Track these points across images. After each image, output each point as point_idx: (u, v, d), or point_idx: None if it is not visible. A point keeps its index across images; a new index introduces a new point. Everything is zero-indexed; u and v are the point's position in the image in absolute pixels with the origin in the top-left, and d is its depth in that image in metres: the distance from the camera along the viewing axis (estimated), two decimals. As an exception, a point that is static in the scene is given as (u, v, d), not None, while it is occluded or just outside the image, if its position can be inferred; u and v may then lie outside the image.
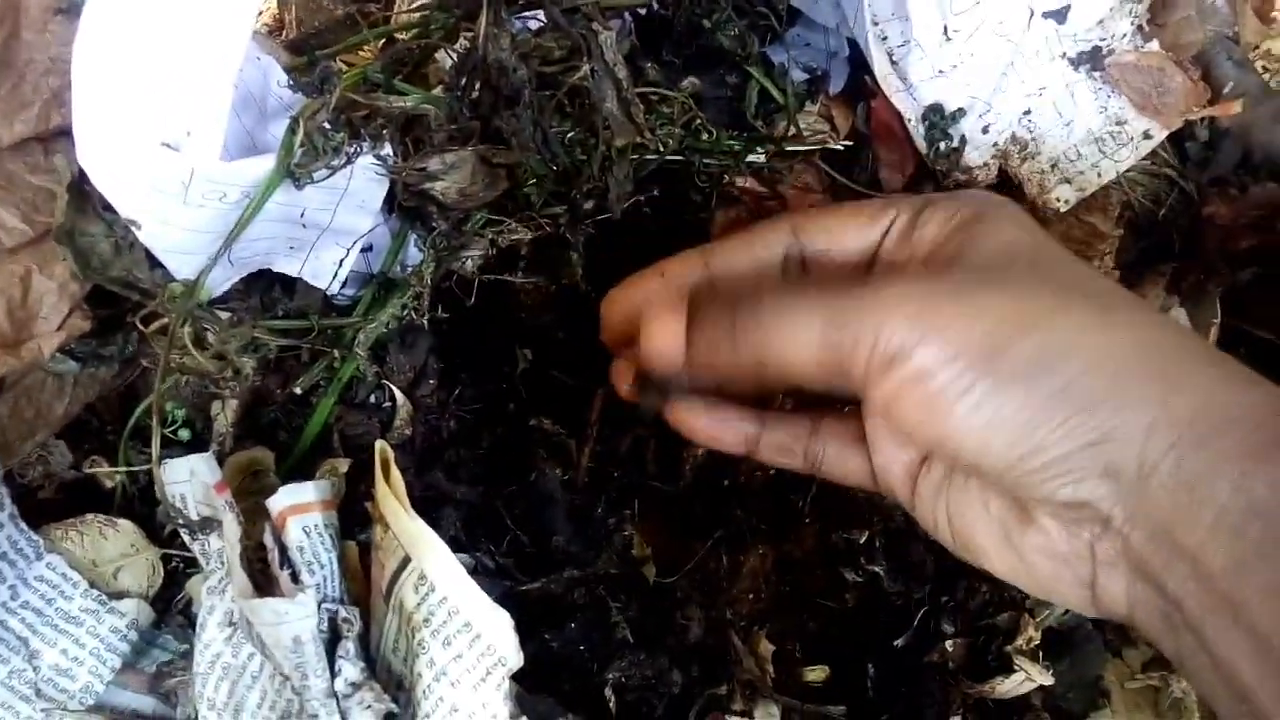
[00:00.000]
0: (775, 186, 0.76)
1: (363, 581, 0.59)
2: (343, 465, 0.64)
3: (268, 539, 0.53)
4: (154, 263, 0.57)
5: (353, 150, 0.55)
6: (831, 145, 0.75)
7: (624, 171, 0.62)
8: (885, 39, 0.73)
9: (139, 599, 0.61)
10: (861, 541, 0.74)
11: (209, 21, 0.50)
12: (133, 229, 0.54)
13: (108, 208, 0.55)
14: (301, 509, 0.54)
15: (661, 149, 0.64)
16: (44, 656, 0.56)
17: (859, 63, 0.78)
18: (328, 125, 0.54)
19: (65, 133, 0.63)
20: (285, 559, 0.53)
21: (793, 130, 0.72)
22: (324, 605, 0.52)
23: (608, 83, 0.55)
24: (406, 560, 0.51)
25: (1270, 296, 0.79)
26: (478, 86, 0.59)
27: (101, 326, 0.62)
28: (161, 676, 0.61)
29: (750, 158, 0.72)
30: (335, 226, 0.59)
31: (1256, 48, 0.79)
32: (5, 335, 0.55)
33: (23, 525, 0.57)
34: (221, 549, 0.54)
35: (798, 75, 0.74)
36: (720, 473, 0.75)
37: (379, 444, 0.54)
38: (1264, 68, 0.79)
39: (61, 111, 0.62)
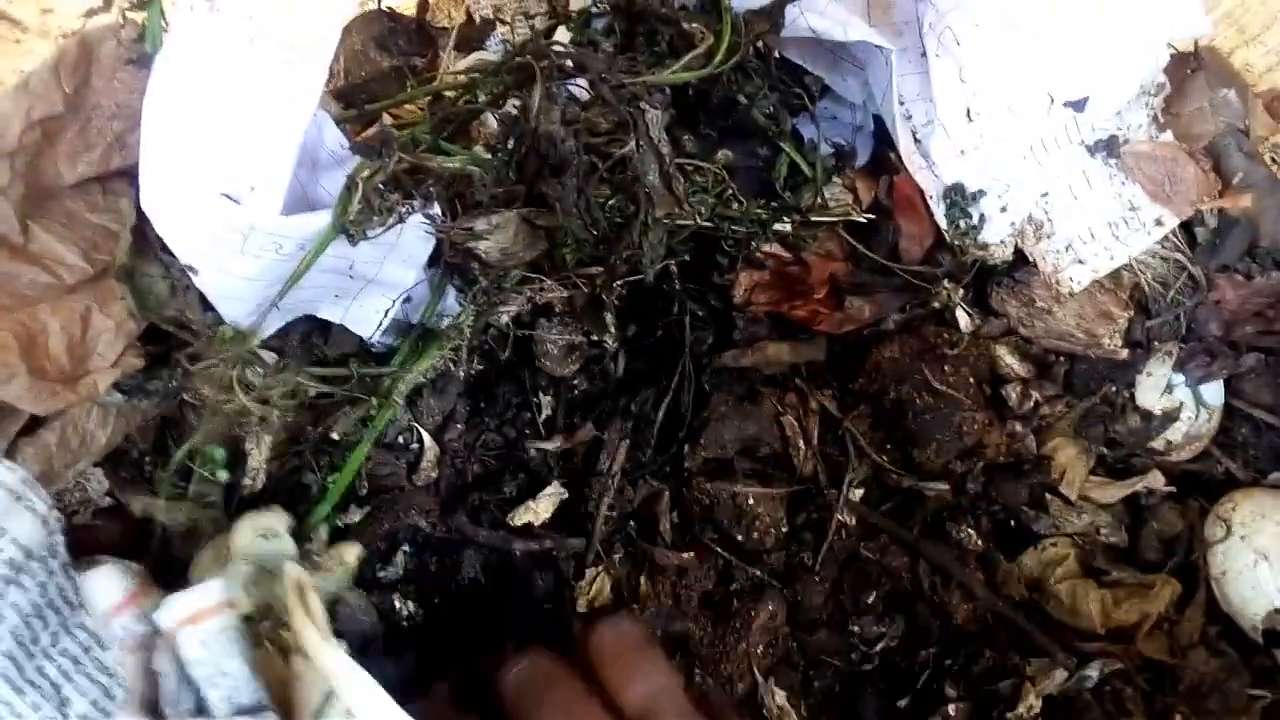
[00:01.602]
0: (799, 253, 0.78)
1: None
2: (351, 553, 0.65)
3: (160, 664, 0.51)
4: (205, 305, 0.60)
5: (405, 209, 0.57)
6: (855, 217, 0.77)
7: (658, 237, 0.64)
8: (910, 118, 0.76)
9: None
10: (869, 602, 0.76)
11: (279, 85, 0.53)
12: (190, 274, 0.56)
13: (166, 250, 0.58)
14: (195, 619, 0.51)
15: (697, 217, 0.66)
16: (74, 705, 0.55)
17: (883, 137, 0.81)
18: (382, 186, 0.56)
19: (123, 174, 0.66)
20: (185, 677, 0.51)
21: (819, 202, 0.75)
22: (238, 717, 0.50)
23: (651, 158, 0.57)
24: (331, 693, 0.49)
25: (1270, 381, 0.82)
26: (523, 151, 0.62)
27: (150, 362, 0.65)
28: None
29: (777, 226, 0.75)
30: (381, 279, 0.62)
31: (1266, 140, 0.82)
32: (64, 371, 0.57)
33: (72, 573, 0.56)
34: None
35: (825, 149, 0.77)
36: (733, 529, 0.77)
37: (294, 571, 0.52)
38: (1273, 160, 0.82)
39: (122, 154, 0.65)
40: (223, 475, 0.61)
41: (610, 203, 0.62)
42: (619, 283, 0.68)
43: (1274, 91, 0.82)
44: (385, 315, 0.62)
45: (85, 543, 0.61)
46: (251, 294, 0.58)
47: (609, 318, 0.66)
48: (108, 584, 0.55)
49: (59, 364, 0.57)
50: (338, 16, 0.54)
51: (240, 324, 0.59)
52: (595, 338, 0.71)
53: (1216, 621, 0.78)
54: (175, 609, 0.51)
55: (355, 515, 0.69)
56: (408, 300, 0.67)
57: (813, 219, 0.76)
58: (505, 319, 0.66)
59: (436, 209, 0.60)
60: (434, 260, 0.65)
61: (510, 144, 0.63)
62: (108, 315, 0.59)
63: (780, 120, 0.71)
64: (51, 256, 0.60)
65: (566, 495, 0.76)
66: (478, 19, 0.86)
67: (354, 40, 0.85)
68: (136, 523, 0.68)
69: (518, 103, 0.64)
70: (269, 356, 0.65)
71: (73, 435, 0.64)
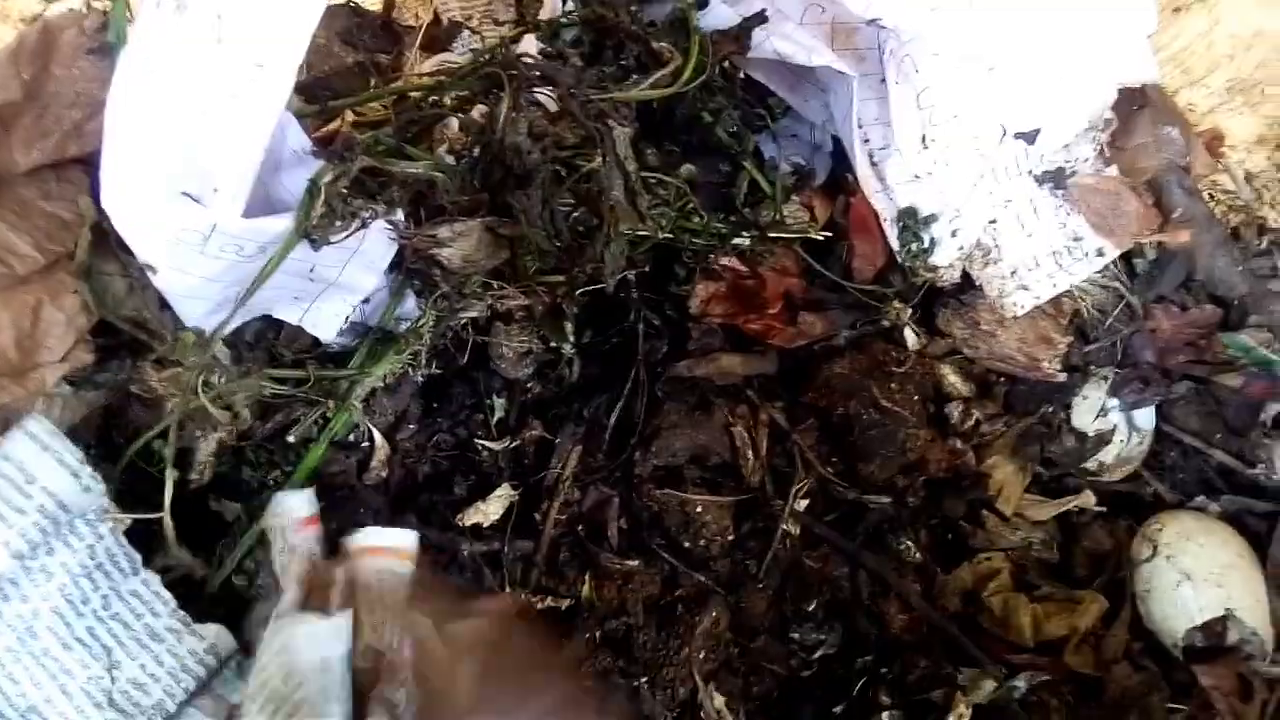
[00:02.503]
0: (755, 268, 0.80)
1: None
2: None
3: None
4: (163, 304, 0.59)
5: (368, 214, 0.57)
6: (812, 235, 0.79)
7: (619, 248, 0.65)
8: (868, 142, 0.78)
9: (220, 625, 0.62)
10: (810, 609, 0.78)
11: (247, 87, 0.53)
12: (149, 272, 0.56)
13: (125, 248, 0.57)
14: (378, 552, 0.57)
15: (658, 230, 0.67)
16: (124, 669, 0.58)
17: (841, 157, 0.83)
18: (345, 190, 0.56)
19: (79, 162, 0.65)
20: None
21: (777, 219, 0.76)
22: None
23: (617, 174, 0.58)
24: None
25: (1200, 408, 0.85)
26: (489, 160, 0.62)
27: (100, 355, 0.64)
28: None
29: (735, 240, 0.76)
30: (342, 282, 0.62)
31: (1205, 177, 0.85)
32: (13, 364, 0.56)
33: (122, 540, 0.58)
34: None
35: (784, 168, 0.78)
36: (680, 536, 0.78)
37: None
38: (1211, 197, 0.86)
39: (79, 142, 0.64)
40: (172, 474, 0.61)
41: (574, 214, 0.63)
42: (579, 291, 0.69)
43: (1214, 131, 0.85)
44: (345, 319, 0.62)
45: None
46: (210, 294, 0.57)
47: (568, 326, 0.67)
48: (300, 503, 0.60)
49: (7, 358, 0.57)
50: (308, 21, 0.54)
51: (198, 323, 0.59)
52: (551, 343, 0.71)
53: (1140, 637, 0.81)
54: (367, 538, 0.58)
55: (310, 511, 0.69)
56: (365, 302, 0.68)
57: (770, 235, 0.77)
58: (465, 324, 0.67)
59: (400, 214, 0.60)
60: (395, 265, 0.65)
61: (475, 152, 0.63)
62: (58, 308, 0.58)
63: (743, 138, 0.72)
64: (3, 245, 0.60)
65: (517, 497, 0.77)
66: (445, 20, 0.86)
67: (318, 34, 0.84)
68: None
69: (484, 108, 0.65)
70: (222, 353, 0.64)
71: (18, 426, 0.63)
